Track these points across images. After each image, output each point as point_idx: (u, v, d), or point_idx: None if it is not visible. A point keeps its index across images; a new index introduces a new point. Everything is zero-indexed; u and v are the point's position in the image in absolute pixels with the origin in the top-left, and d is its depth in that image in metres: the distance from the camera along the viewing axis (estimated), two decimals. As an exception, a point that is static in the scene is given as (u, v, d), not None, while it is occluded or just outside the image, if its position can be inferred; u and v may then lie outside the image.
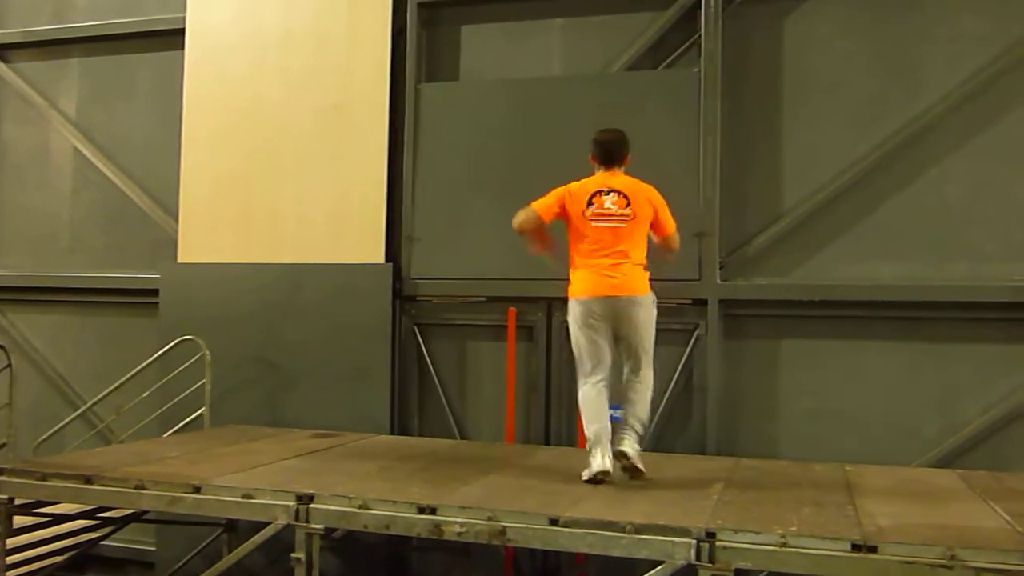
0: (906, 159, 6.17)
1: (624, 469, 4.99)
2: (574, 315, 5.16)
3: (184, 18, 7.60)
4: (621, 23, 6.77)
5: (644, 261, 5.20)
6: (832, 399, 6.21)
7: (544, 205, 5.24)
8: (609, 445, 4.98)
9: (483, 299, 6.84)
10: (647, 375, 5.19)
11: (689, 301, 6.40)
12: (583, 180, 5.26)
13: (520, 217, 5.23)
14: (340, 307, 7.03)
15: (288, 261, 7.19)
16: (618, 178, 5.24)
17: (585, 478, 4.94)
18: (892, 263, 6.16)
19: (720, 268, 6.37)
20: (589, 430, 5.05)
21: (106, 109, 8.19)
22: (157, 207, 7.89)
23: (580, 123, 6.44)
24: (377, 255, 7.03)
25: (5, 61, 8.46)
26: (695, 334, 6.42)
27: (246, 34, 7.44)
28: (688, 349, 6.44)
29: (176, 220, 7.63)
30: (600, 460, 4.93)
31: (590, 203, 5.17)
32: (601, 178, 5.25)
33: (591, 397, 5.09)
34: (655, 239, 5.29)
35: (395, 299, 7.00)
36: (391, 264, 7.00)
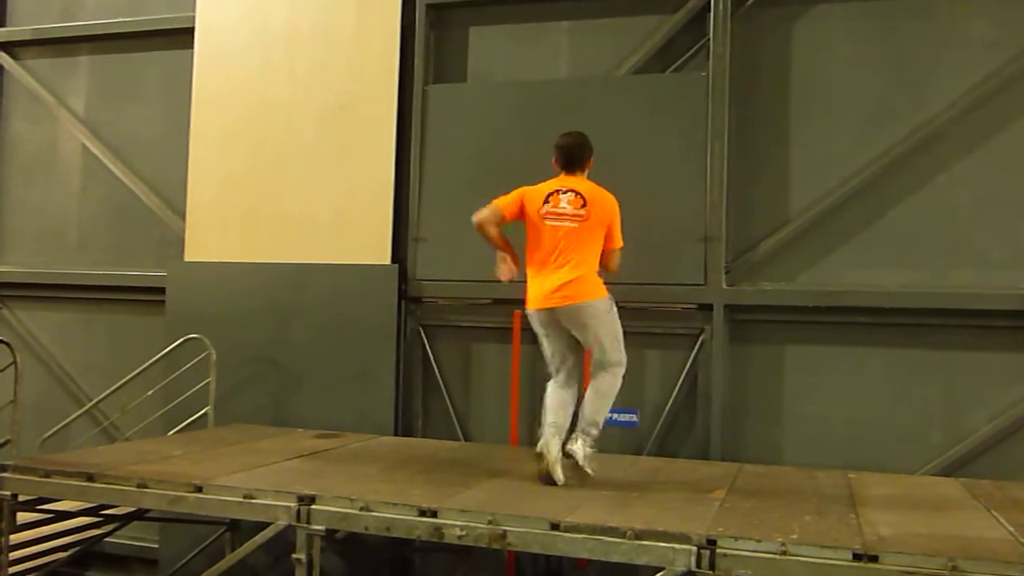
0: (914, 165, 6.14)
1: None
2: (531, 322, 5.38)
3: (193, 17, 7.62)
4: (629, 26, 6.75)
5: (594, 266, 5.25)
6: (837, 405, 6.18)
7: (506, 201, 5.34)
8: (554, 441, 5.05)
9: (489, 301, 6.82)
10: (604, 378, 5.23)
11: (694, 306, 6.39)
12: (545, 181, 5.37)
13: (482, 213, 5.31)
14: (345, 307, 7.03)
15: (294, 261, 7.19)
16: (578, 181, 5.32)
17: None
18: (899, 270, 6.14)
19: (726, 273, 6.34)
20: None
21: (114, 107, 8.20)
22: (164, 205, 7.90)
23: (588, 126, 6.41)
24: (383, 256, 7.03)
25: (14, 58, 8.48)
26: (700, 339, 6.39)
27: (254, 33, 7.45)
28: (693, 354, 6.41)
29: (183, 219, 7.63)
30: (543, 460, 5.01)
31: (546, 201, 5.25)
32: (561, 180, 5.34)
33: (547, 396, 5.32)
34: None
35: (400, 300, 6.99)
36: (397, 265, 7.00)
